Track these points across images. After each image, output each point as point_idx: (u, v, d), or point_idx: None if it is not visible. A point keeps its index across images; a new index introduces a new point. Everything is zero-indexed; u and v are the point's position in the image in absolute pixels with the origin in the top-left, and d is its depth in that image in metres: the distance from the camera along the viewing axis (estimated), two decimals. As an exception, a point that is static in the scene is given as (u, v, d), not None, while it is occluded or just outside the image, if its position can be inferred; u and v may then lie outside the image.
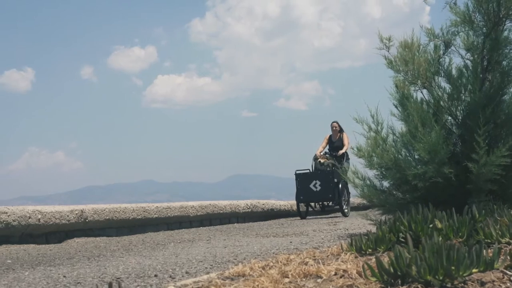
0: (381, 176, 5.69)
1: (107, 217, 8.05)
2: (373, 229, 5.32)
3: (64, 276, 3.46)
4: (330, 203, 12.37)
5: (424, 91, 5.49)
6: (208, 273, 3.30)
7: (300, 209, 12.09)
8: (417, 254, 2.25)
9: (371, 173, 5.77)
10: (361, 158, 5.68)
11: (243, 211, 11.57)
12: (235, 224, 10.79)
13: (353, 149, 5.74)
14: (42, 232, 7.23)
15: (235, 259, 4.08)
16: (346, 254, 3.13)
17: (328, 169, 11.92)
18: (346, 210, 12.00)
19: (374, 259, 2.71)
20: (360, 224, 8.11)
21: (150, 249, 5.41)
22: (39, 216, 7.00)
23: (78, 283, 3.15)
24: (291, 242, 5.45)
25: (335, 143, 12.88)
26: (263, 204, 12.30)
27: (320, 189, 11.82)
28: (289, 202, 13.47)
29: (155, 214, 8.99)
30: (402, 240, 3.33)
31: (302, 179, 12.01)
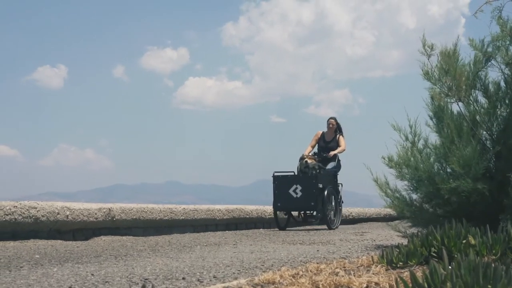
0: (412, 188, 5.62)
1: (134, 217, 8.08)
2: (401, 241, 5.26)
3: (92, 275, 3.46)
4: (313, 213, 10.48)
5: (460, 104, 5.42)
6: (236, 278, 3.28)
7: (279, 219, 10.40)
8: (453, 270, 2.20)
9: (400, 185, 5.70)
10: (392, 168, 5.61)
11: (269, 216, 11.52)
12: (261, 229, 10.76)
13: (384, 158, 5.67)
14: (70, 229, 7.29)
15: (263, 265, 4.05)
16: (377, 266, 3.09)
17: (314, 172, 10.23)
18: (334, 222, 10.47)
19: (406, 273, 2.66)
20: (387, 235, 8.03)
21: (176, 251, 5.40)
22: (68, 213, 7.04)
23: (106, 282, 3.15)
24: (318, 250, 5.41)
25: (329, 143, 11.30)
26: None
27: (301, 195, 10.03)
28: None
29: (181, 216, 9.00)
30: (434, 254, 3.28)
31: (280, 183, 10.24)
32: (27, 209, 6.67)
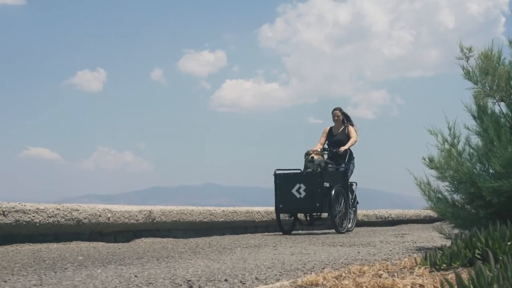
0: (454, 190, 5.55)
1: (174, 219, 8.14)
2: (442, 242, 5.20)
3: (136, 276, 3.50)
4: (320, 215, 9.52)
5: (502, 104, 5.34)
6: (278, 280, 3.29)
7: (282, 222, 9.46)
8: (499, 272, 2.18)
9: (441, 186, 5.64)
10: (433, 169, 5.56)
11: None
12: (300, 231, 10.74)
13: (424, 159, 5.62)
14: (111, 231, 7.37)
15: (304, 267, 4.04)
16: (420, 268, 3.07)
17: (319, 169, 9.20)
18: (344, 225, 9.46)
19: (451, 275, 2.64)
20: (427, 237, 7.95)
21: (217, 252, 5.43)
22: (109, 215, 7.12)
23: (150, 283, 3.18)
24: (358, 252, 5.38)
25: (336, 136, 10.36)
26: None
27: (305, 195, 9.00)
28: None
29: (221, 218, 9.03)
30: (478, 256, 3.24)
31: (282, 182, 9.22)
32: (70, 212, 6.77)
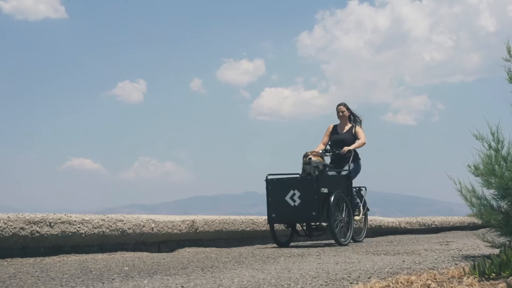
0: (499, 197, 5.47)
1: (217, 228, 8.17)
2: (488, 251, 5.13)
3: (182, 287, 3.52)
4: (320, 225, 8.23)
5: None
6: (324, 290, 3.28)
7: (279, 232, 8.48)
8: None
9: (487, 193, 5.55)
10: (478, 177, 5.48)
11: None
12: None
13: (469, 167, 5.54)
14: (155, 241, 7.44)
15: (349, 276, 4.02)
16: (469, 277, 3.03)
17: (316, 172, 8.03)
18: (347, 236, 8.26)
19: (501, 285, 2.60)
20: (473, 244, 7.83)
21: (261, 262, 5.43)
22: (153, 225, 7.19)
23: (197, 294, 3.20)
24: (403, 261, 5.33)
25: (340, 135, 9.29)
26: (370, 221, 12.11)
27: (300, 203, 7.87)
28: (397, 219, 13.21)
29: (263, 226, 9.03)
30: (528, 265, 3.19)
31: (274, 188, 8.10)
32: (114, 222, 6.85)
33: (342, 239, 8.09)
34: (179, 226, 7.60)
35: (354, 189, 9.15)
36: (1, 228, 5.75)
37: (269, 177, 8.17)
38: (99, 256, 6.47)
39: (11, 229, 5.83)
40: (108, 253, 6.73)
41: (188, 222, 7.72)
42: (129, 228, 6.99)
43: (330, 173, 8.60)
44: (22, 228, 5.94)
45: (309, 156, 8.34)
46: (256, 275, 4.16)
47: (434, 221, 13.59)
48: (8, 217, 5.89)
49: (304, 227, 8.48)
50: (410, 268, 4.59)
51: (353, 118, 9.40)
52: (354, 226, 8.78)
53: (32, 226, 6.03)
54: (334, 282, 3.67)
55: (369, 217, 12.18)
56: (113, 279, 4.04)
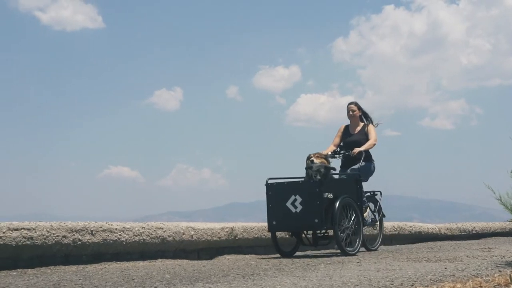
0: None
1: (256, 235, 8.18)
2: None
3: (225, 294, 3.53)
4: (326, 233, 7.67)
5: None
6: (368, 298, 3.25)
7: (278, 241, 7.69)
8: None
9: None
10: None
11: (390, 233, 11.34)
12: (382, 246, 10.60)
13: None
14: (194, 248, 7.48)
15: (392, 284, 3.99)
16: (516, 285, 2.98)
17: (318, 176, 7.34)
18: (355, 245, 7.53)
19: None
20: (517, 251, 7.70)
21: (301, 269, 5.41)
22: (192, 233, 7.23)
23: (240, 302, 3.20)
24: (445, 268, 5.26)
25: (352, 136, 8.71)
26: (410, 227, 12.01)
27: (302, 209, 7.18)
28: (437, 225, 13.05)
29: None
30: None
31: (275, 193, 7.43)
32: (154, 230, 6.91)
33: (349, 249, 7.38)
34: (218, 233, 7.63)
35: (368, 194, 8.71)
36: (44, 236, 5.84)
37: (270, 181, 7.51)
38: (140, 263, 6.52)
39: (54, 238, 5.92)
40: (148, 261, 6.78)
41: (227, 230, 7.75)
42: (169, 236, 7.04)
43: (336, 176, 8.06)
44: (64, 236, 6.03)
45: (312, 159, 7.67)
46: (297, 283, 4.15)
47: (474, 227, 13.40)
48: (51, 225, 5.98)
49: (310, 235, 7.80)
50: (453, 275, 4.54)
51: (365, 117, 8.82)
52: (366, 233, 8.39)
53: (74, 234, 6.12)
54: (377, 290, 3.64)
55: (408, 224, 12.07)
56: (155, 287, 4.07)
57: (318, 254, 7.92)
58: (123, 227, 6.62)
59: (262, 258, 7.19)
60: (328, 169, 7.60)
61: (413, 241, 11.79)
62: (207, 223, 7.77)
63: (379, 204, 8.90)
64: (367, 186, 8.59)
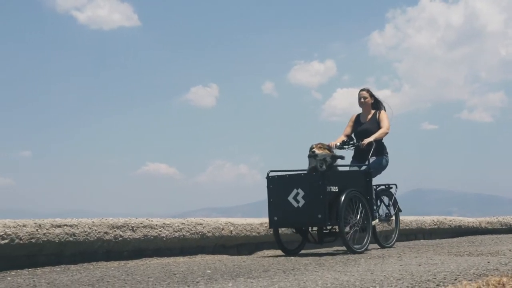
0: None
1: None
2: None
3: (267, 289, 3.54)
4: (333, 229, 7.04)
5: None
6: (411, 292, 3.24)
7: (281, 238, 7.22)
8: None
9: None
10: None
11: (429, 227, 11.26)
12: (422, 240, 10.52)
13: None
14: (234, 244, 7.51)
15: (434, 278, 3.96)
16: None
17: (322, 167, 6.70)
18: (364, 243, 6.96)
19: None
20: None
21: (342, 264, 5.40)
22: (231, 228, 7.25)
23: (283, 297, 3.21)
24: (488, 262, 5.20)
25: (363, 125, 8.05)
26: (450, 221, 11.89)
27: (304, 204, 6.66)
28: (477, 219, 12.91)
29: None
30: None
31: (276, 186, 6.93)
32: (194, 226, 6.96)
33: (356, 246, 6.85)
34: (257, 228, 7.64)
35: (383, 187, 8.17)
36: (86, 233, 5.92)
37: (271, 174, 7.00)
38: (180, 259, 6.57)
39: (95, 234, 6.00)
40: (188, 256, 6.83)
41: (266, 225, 7.75)
42: (208, 232, 7.08)
43: (342, 168, 7.38)
44: (106, 233, 6.10)
45: (313, 150, 6.94)
46: (339, 277, 4.14)
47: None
48: (93, 222, 6.06)
49: (310, 232, 7.31)
50: (497, 269, 4.48)
51: (377, 104, 8.09)
52: (380, 230, 7.95)
53: (115, 231, 6.19)
54: (420, 284, 3.62)
55: (448, 218, 11.95)
56: (197, 282, 4.10)
57: (327, 252, 7.35)
58: (163, 223, 6.68)
59: (302, 253, 7.18)
60: (334, 158, 6.96)
61: (453, 235, 11.68)
62: (246, 219, 7.80)
63: (395, 198, 8.28)
64: (382, 179, 8.17)
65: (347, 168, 7.68)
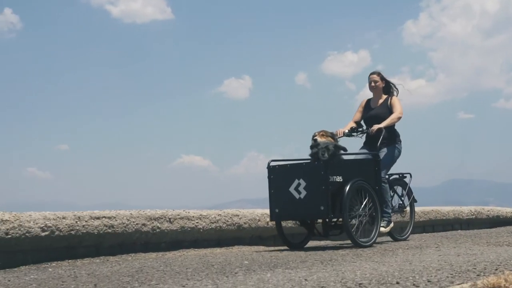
0: None
1: (331, 221, 8.15)
2: None
3: (306, 280, 3.54)
4: (338, 221, 6.57)
5: None
6: (452, 282, 3.21)
7: (285, 232, 6.84)
8: None
9: None
10: None
11: (467, 217, 11.16)
12: (459, 230, 10.43)
13: None
14: (270, 235, 7.53)
15: (474, 268, 3.92)
16: None
17: (324, 156, 6.27)
18: (371, 236, 6.53)
19: None
20: None
21: (379, 254, 5.38)
22: (268, 219, 7.26)
23: (322, 287, 3.21)
24: (529, 252, 5.14)
25: (373, 110, 7.48)
26: (487, 211, 11.77)
27: (306, 195, 6.24)
28: (516, 209, 12.75)
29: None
30: None
31: (277, 177, 6.52)
32: (231, 217, 7.00)
33: (363, 240, 6.41)
34: (294, 219, 7.65)
35: (396, 176, 7.74)
36: (125, 224, 5.99)
37: (272, 163, 6.59)
38: (217, 250, 6.61)
39: (133, 226, 6.06)
40: (225, 247, 6.87)
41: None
42: (245, 223, 7.11)
43: (348, 157, 6.87)
44: (144, 224, 6.16)
45: (315, 137, 6.58)
46: (377, 268, 4.13)
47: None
48: (131, 214, 6.12)
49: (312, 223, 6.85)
50: (538, 259, 4.43)
51: (389, 89, 7.55)
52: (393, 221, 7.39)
53: (153, 222, 6.25)
54: (460, 274, 3.58)
55: (485, 208, 11.82)
56: (236, 273, 4.12)
57: (336, 245, 6.95)
58: (200, 215, 6.72)
59: (339, 244, 7.17)
60: (338, 147, 6.53)
61: (491, 225, 11.56)
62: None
63: (409, 188, 7.83)
64: (395, 168, 7.63)
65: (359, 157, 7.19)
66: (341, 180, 6.26)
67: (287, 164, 6.56)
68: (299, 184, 6.27)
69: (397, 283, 3.27)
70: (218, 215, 6.92)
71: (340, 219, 6.39)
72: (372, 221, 6.56)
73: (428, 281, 3.30)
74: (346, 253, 5.58)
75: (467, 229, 10.82)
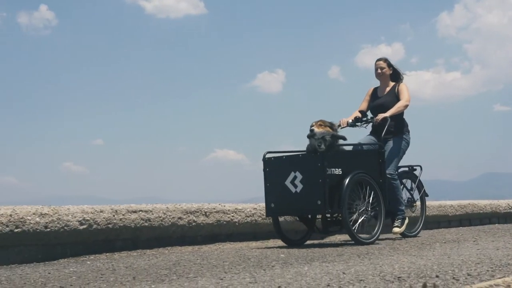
0: None
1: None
2: None
3: (343, 273, 3.53)
4: (338, 216, 6.12)
5: None
6: (492, 276, 3.18)
7: (282, 227, 6.41)
8: None
9: None
10: None
11: (504, 211, 11.02)
12: (497, 224, 10.30)
13: None
14: (305, 228, 7.49)
15: (515, 262, 3.87)
16: None
17: (321, 147, 5.82)
18: (374, 232, 6.09)
19: None
20: None
21: (416, 248, 5.34)
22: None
23: (361, 280, 3.19)
24: None
25: (380, 99, 7.09)
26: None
27: (302, 189, 5.87)
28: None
29: (412, 213, 8.87)
30: None
31: (273, 169, 6.19)
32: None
33: (364, 236, 6.02)
34: (329, 213, 7.62)
35: (405, 169, 7.33)
36: (161, 218, 6.03)
37: (267, 155, 6.24)
38: (253, 244, 6.62)
39: (170, 219, 6.10)
40: (261, 241, 6.88)
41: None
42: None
43: (348, 148, 6.52)
44: (180, 218, 6.20)
45: (312, 128, 6.28)
46: (415, 261, 4.10)
47: None
48: (167, 207, 6.16)
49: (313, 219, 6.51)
50: None
51: (397, 76, 7.13)
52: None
53: (189, 216, 6.28)
54: (500, 268, 3.54)
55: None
56: (273, 266, 4.12)
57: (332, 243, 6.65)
58: (236, 208, 6.73)
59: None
60: (335, 137, 6.10)
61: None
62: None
63: (419, 181, 7.42)
64: (405, 160, 7.17)
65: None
66: (340, 173, 5.88)
67: (283, 156, 6.22)
68: (295, 177, 5.92)
69: (437, 276, 3.24)
70: (254, 208, 6.92)
71: (339, 215, 6.06)
72: (375, 217, 6.20)
73: (468, 275, 3.27)
74: (383, 247, 5.56)
75: (504, 223, 10.69)
